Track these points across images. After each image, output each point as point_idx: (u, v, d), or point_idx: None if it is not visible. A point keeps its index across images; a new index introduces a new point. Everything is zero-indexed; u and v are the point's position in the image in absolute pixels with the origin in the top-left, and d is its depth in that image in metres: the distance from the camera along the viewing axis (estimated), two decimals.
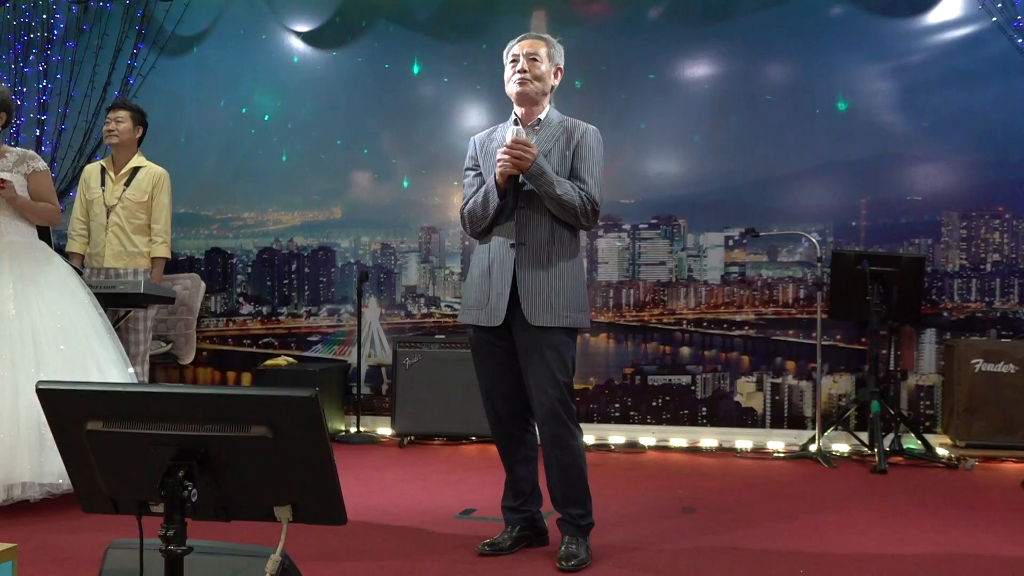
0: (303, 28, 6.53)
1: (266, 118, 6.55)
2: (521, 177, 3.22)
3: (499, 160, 3.18)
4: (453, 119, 6.38)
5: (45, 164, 4.41)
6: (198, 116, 6.62)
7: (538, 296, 3.21)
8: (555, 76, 3.37)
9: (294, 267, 6.55)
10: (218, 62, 6.60)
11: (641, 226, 6.07)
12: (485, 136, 3.45)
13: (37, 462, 3.75)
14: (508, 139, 3.19)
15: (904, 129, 5.78)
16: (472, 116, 6.34)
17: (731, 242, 5.99)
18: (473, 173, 3.42)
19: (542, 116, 3.35)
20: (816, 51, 5.87)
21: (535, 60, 3.28)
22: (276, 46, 6.57)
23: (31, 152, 4.39)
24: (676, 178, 6.06)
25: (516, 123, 3.35)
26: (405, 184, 6.41)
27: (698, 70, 6.08)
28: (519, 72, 3.28)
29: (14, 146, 4.73)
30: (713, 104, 6.01)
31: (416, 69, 6.38)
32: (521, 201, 3.24)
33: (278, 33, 6.56)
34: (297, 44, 6.55)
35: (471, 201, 3.33)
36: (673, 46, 6.07)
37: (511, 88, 3.32)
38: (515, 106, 3.38)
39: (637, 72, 6.07)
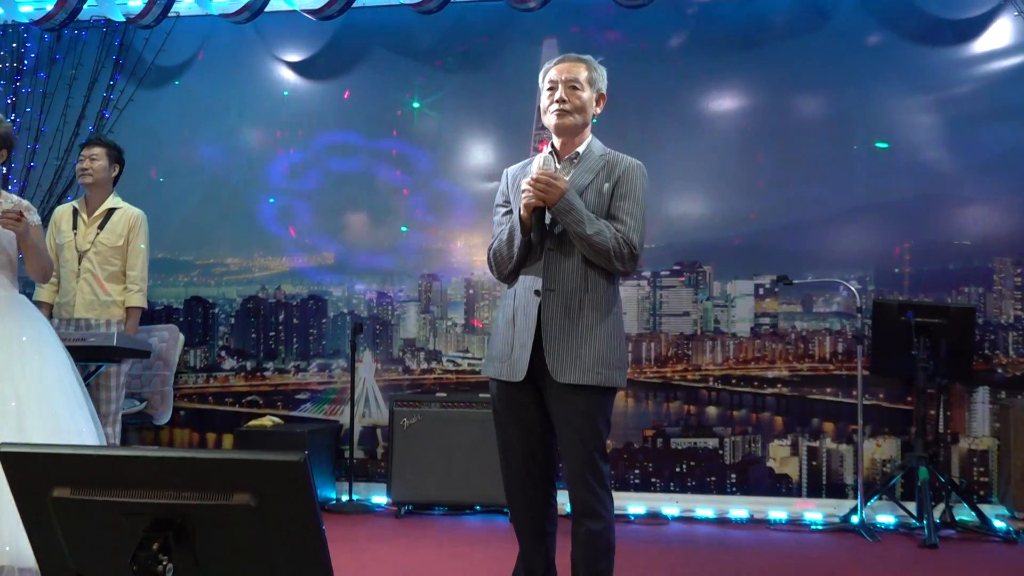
0: (294, 58, 6.63)
1: (254, 155, 6.63)
2: (549, 222, 3.22)
3: (523, 191, 3.16)
4: (456, 156, 6.43)
5: (39, 219, 4.40)
6: (179, 153, 6.68)
7: (566, 349, 3.16)
8: (597, 104, 3.34)
9: (281, 318, 6.55)
10: (202, 94, 6.68)
11: (663, 273, 6.06)
12: (519, 169, 3.41)
13: (16, 545, 3.54)
14: (534, 169, 3.18)
15: (950, 167, 5.80)
16: (478, 153, 6.42)
17: (762, 291, 5.99)
18: (504, 210, 3.37)
19: (581, 149, 3.32)
20: (853, 82, 5.92)
21: (575, 88, 3.25)
22: (265, 77, 6.66)
23: (27, 203, 4.36)
24: (700, 220, 6.08)
25: (552, 154, 3.33)
26: (404, 228, 6.45)
27: (724, 103, 6.15)
28: (557, 102, 3.25)
29: None
30: (740, 139, 6.06)
31: (416, 102, 6.45)
32: (551, 242, 3.20)
33: (267, 63, 6.65)
34: (287, 75, 6.65)
35: (496, 240, 3.31)
36: (696, 76, 6.12)
37: (548, 119, 3.30)
38: (553, 136, 3.37)
39: (657, 105, 6.13)
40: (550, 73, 3.31)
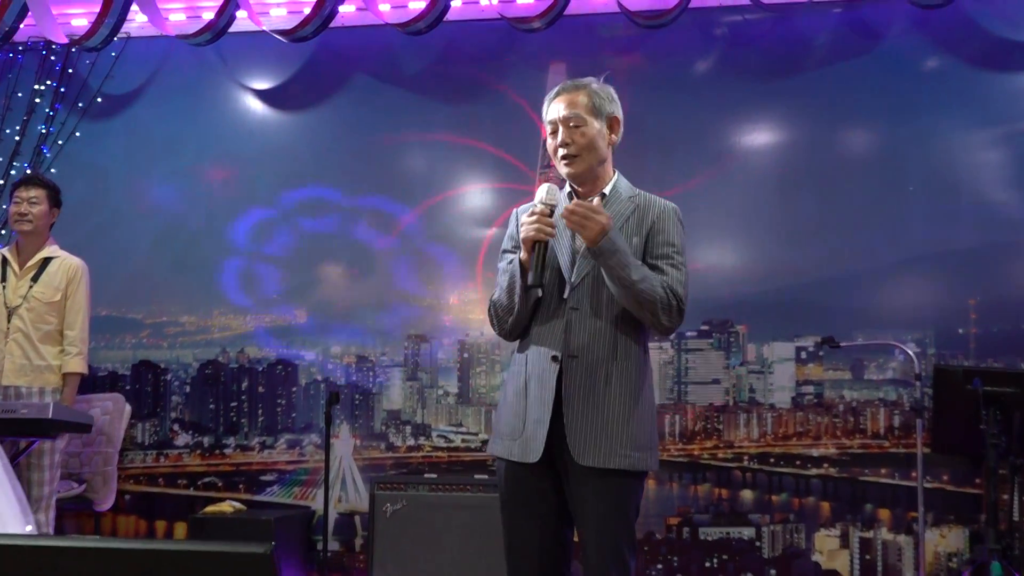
0: (262, 85, 6.67)
1: (215, 196, 6.65)
2: (573, 274, 3.19)
3: (522, 224, 3.15)
4: (450, 198, 6.45)
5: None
6: (128, 194, 6.72)
7: (591, 427, 3.12)
8: (611, 131, 3.31)
9: (245, 386, 6.54)
10: (156, 127, 6.72)
11: (689, 334, 6.04)
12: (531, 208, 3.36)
13: None
14: (537, 201, 3.16)
15: (1023, 211, 5.82)
16: (474, 195, 6.46)
17: (804, 354, 5.97)
18: (511, 256, 3.32)
19: (608, 189, 3.31)
20: (908, 114, 5.95)
21: (577, 127, 3.22)
22: (229, 108, 6.71)
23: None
24: (732, 273, 6.09)
25: (571, 196, 3.32)
26: (385, 283, 6.45)
27: (758, 137, 6.18)
28: (562, 147, 3.24)
29: None
30: (778, 180, 6.09)
31: (403, 135, 6.48)
32: (573, 300, 3.19)
33: (231, 92, 6.70)
34: (255, 105, 6.69)
35: (497, 288, 3.30)
36: (726, 107, 6.16)
37: (560, 170, 3.30)
38: (568, 183, 3.36)
39: (680, 139, 6.17)
40: (548, 112, 3.30)
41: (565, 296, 3.20)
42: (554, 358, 3.16)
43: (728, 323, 6.06)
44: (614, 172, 3.36)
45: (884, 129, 6.01)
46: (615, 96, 3.34)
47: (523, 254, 3.14)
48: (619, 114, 3.33)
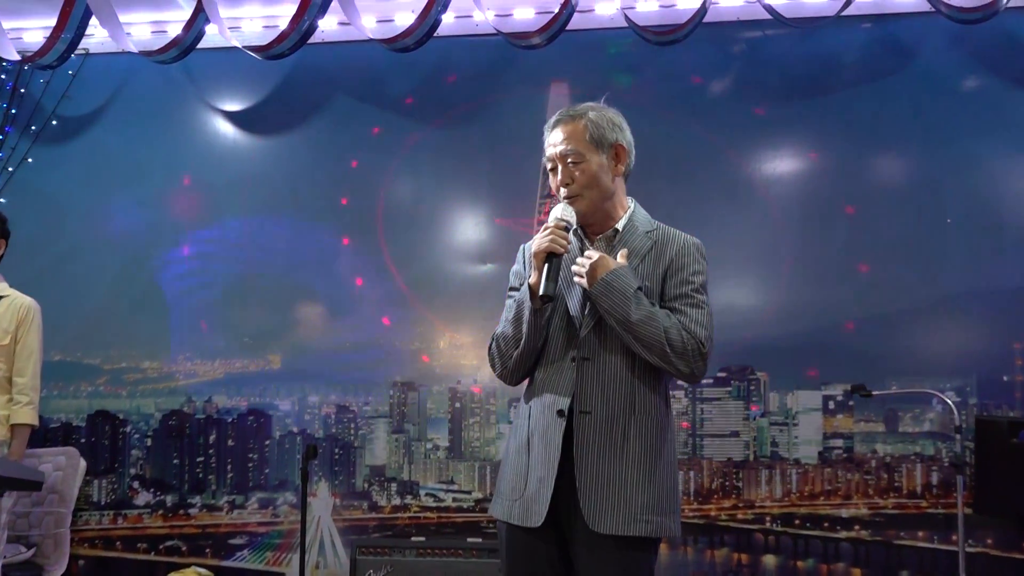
0: (234, 107, 6.68)
1: (181, 228, 6.63)
2: (583, 320, 3.17)
3: (533, 242, 3.16)
4: (440, 231, 6.46)
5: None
6: (85, 226, 6.70)
7: (607, 490, 3.09)
8: (617, 160, 3.30)
9: (213, 439, 6.50)
10: (116, 152, 6.72)
11: (704, 382, 5.96)
12: None
13: None
14: (552, 220, 3.17)
15: None
16: (467, 227, 6.45)
17: (832, 404, 5.96)
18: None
19: (622, 223, 3.31)
20: (945, 138, 5.97)
21: (576, 164, 3.23)
22: (197, 131, 6.71)
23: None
24: (752, 313, 6.07)
25: (581, 240, 3.32)
26: (370, 324, 6.42)
27: (780, 164, 6.18)
28: (563, 186, 3.25)
29: None
30: (802, 211, 6.09)
31: (389, 162, 6.48)
32: (584, 349, 3.17)
33: (200, 114, 6.70)
34: (226, 128, 6.70)
35: (503, 321, 3.29)
36: (746, 131, 6.17)
37: (557, 211, 3.28)
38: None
39: (694, 166, 6.17)
40: (547, 144, 3.31)
41: (574, 345, 3.19)
42: (560, 412, 3.13)
43: (748, 369, 6.05)
44: (629, 203, 3.36)
45: (919, 155, 6.02)
46: (619, 121, 3.33)
47: (532, 276, 3.13)
48: (625, 140, 3.32)
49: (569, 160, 3.22)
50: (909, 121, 6.01)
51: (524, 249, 3.41)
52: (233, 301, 6.57)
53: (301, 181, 6.56)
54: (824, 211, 6.05)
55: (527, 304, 3.13)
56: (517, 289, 3.31)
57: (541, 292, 3.07)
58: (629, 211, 3.32)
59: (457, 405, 6.29)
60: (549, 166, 3.30)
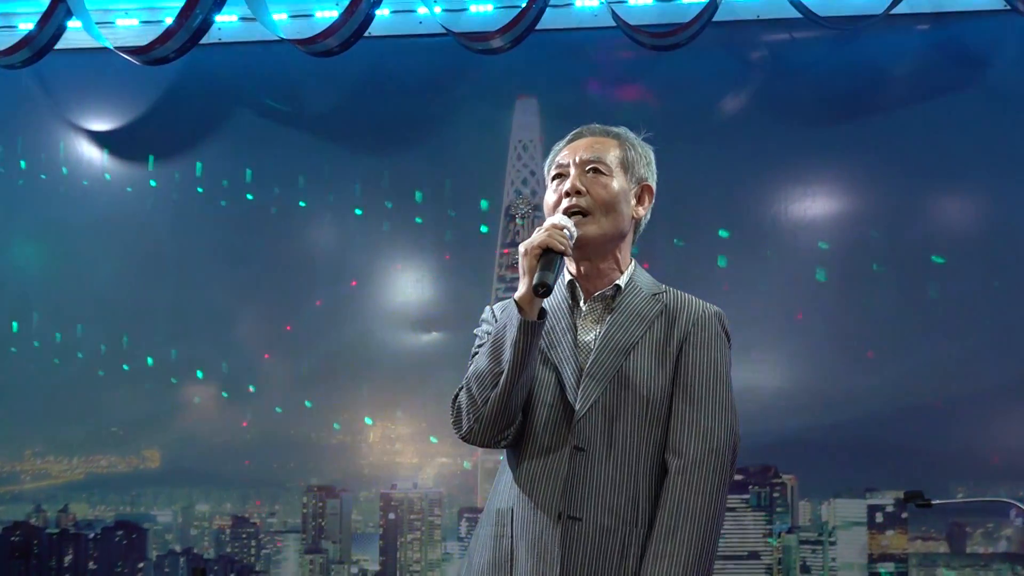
0: (103, 126, 6.66)
1: (30, 282, 6.61)
2: (579, 400, 3.06)
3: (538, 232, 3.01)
4: (369, 290, 6.49)
5: None
6: None
7: None
8: (639, 203, 3.24)
9: (69, 560, 6.41)
10: None
11: None
12: (511, 303, 3.19)
13: None
14: (549, 221, 3.05)
15: None
16: (405, 284, 6.46)
17: (880, 516, 5.95)
18: None
19: (622, 280, 3.21)
20: (1020, 171, 5.98)
21: (598, 172, 3.15)
22: (54, 156, 6.69)
23: None
24: (776, 398, 6.08)
25: (570, 300, 3.22)
26: (278, 409, 6.38)
27: (812, 203, 6.18)
28: (568, 197, 3.13)
29: None
30: (840, 263, 6.09)
31: (303, 199, 6.49)
32: (579, 437, 3.05)
33: (58, 133, 6.70)
34: (92, 153, 6.67)
35: (473, 365, 3.14)
36: (767, 160, 6.19)
37: (554, 218, 3.17)
38: (567, 262, 3.22)
39: (703, 205, 6.19)
40: (559, 155, 3.25)
41: (569, 429, 3.08)
42: (559, 516, 3.04)
43: (770, 471, 6.07)
44: (632, 261, 3.27)
45: (991, 193, 6.05)
46: (652, 159, 3.29)
47: (522, 286, 2.98)
48: (653, 183, 3.30)
49: (590, 168, 3.15)
50: (977, 149, 6.01)
51: (491, 310, 3.33)
52: (98, 379, 6.52)
53: (188, 224, 6.57)
54: (867, 264, 6.07)
55: (514, 320, 2.98)
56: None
57: (536, 281, 2.94)
58: (631, 269, 3.25)
59: (391, 516, 6.24)
60: (553, 173, 3.22)
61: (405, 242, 6.44)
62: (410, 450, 6.19)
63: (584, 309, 3.18)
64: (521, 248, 2.99)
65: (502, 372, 3.03)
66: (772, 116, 6.17)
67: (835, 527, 5.97)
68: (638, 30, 5.93)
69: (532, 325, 2.97)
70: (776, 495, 6.01)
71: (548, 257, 2.96)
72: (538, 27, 5.94)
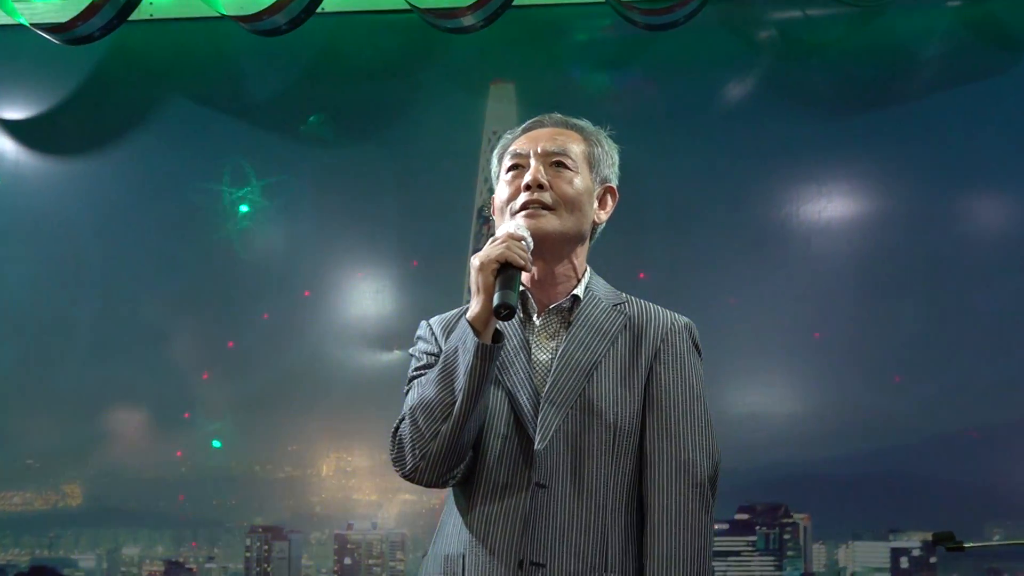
0: (15, 115, 6.70)
1: None
2: (538, 431, 3.02)
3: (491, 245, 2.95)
4: (322, 302, 6.51)
5: None
6: None
7: None
8: (601, 204, 3.23)
9: None
10: None
11: (719, 527, 5.93)
12: (453, 318, 3.25)
13: None
14: (506, 229, 3.00)
15: None
16: (363, 295, 6.50)
17: (906, 561, 5.94)
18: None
19: (579, 290, 3.18)
20: None
21: (562, 166, 3.13)
22: None
23: None
24: (786, 427, 6.08)
25: (522, 313, 3.17)
26: (216, 444, 6.37)
27: (830, 205, 6.18)
28: (528, 191, 3.09)
29: None
30: (860, 274, 6.11)
31: (245, 204, 6.48)
32: (539, 472, 3.03)
33: None
34: (5, 146, 6.70)
35: (417, 396, 3.05)
36: (776, 157, 6.20)
37: (510, 225, 3.11)
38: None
39: (701, 209, 6.24)
40: (513, 145, 3.22)
41: (528, 464, 3.05)
42: (520, 564, 3.00)
43: (780, 510, 6.07)
44: (587, 268, 3.26)
45: None
46: (617, 159, 3.30)
47: (476, 302, 2.94)
48: (615, 186, 3.30)
49: (554, 160, 3.13)
50: (1020, 142, 6.07)
51: (428, 325, 3.30)
52: (10, 404, 6.48)
53: (114, 226, 6.58)
54: (892, 276, 6.07)
55: (469, 343, 2.94)
56: (423, 369, 3.19)
57: (498, 302, 2.89)
58: (587, 277, 3.24)
59: (347, 561, 6.25)
60: (508, 165, 3.20)
61: (365, 247, 6.48)
62: (368, 486, 6.20)
63: (538, 324, 3.15)
64: (475, 262, 2.95)
65: (454, 402, 2.97)
66: (782, 105, 6.20)
67: (854, 573, 5.98)
68: (630, 6, 5.91)
69: (490, 349, 2.94)
70: (787, 537, 6.01)
71: (507, 273, 2.93)
72: (515, 2, 5.92)
